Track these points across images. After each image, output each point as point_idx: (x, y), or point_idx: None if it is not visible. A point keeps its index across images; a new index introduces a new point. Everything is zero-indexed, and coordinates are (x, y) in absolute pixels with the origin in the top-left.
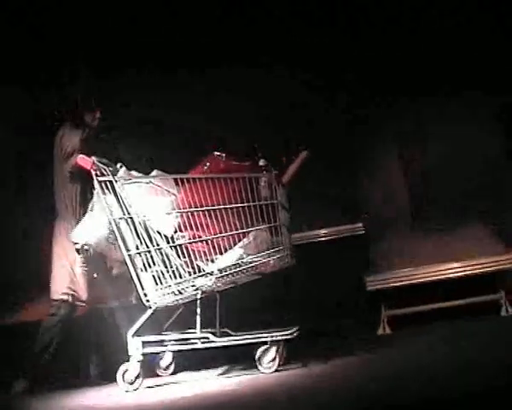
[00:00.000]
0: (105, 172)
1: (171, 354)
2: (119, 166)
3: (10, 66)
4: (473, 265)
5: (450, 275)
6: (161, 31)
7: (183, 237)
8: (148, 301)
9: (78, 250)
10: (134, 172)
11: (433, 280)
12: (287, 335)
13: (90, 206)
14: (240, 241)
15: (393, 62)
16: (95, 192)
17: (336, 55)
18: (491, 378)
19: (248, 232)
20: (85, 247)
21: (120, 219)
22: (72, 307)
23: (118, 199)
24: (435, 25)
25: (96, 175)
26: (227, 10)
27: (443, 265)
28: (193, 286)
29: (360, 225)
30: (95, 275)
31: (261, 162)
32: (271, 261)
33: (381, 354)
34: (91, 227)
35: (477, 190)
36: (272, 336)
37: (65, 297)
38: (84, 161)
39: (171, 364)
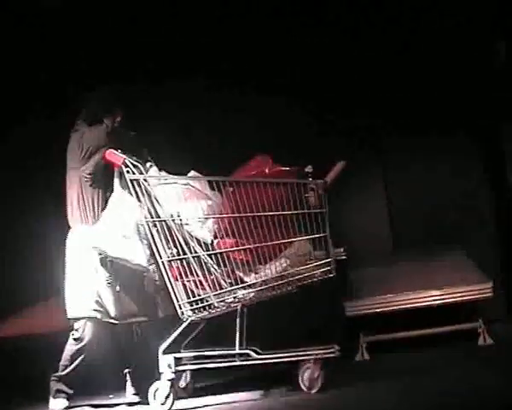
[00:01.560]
0: (136, 171)
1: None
2: (149, 165)
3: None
4: (452, 293)
5: (430, 303)
6: (189, 38)
7: (225, 244)
8: (182, 313)
9: (101, 261)
10: (164, 173)
11: (412, 307)
12: (330, 353)
13: (108, 208)
14: (283, 251)
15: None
16: (113, 194)
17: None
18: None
19: (292, 242)
20: (100, 253)
21: (153, 222)
22: (99, 325)
23: (150, 200)
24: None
25: (127, 172)
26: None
27: (423, 292)
28: (234, 298)
29: (341, 250)
30: (117, 288)
31: (307, 169)
32: (317, 273)
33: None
34: (108, 232)
35: (457, 220)
36: (317, 354)
37: (92, 314)
38: (114, 156)
39: (189, 384)
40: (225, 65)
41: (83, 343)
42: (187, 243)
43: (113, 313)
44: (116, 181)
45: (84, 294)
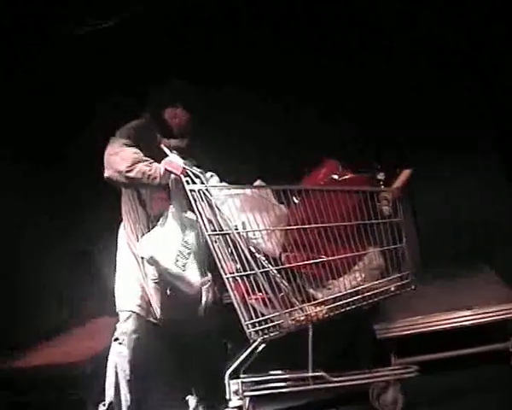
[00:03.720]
0: (197, 181)
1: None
2: (209, 175)
3: None
4: (483, 313)
5: (461, 323)
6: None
7: (295, 258)
8: (251, 334)
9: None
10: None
11: (443, 329)
12: (409, 373)
13: (163, 218)
14: (354, 264)
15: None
16: (171, 206)
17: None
18: None
19: (364, 255)
20: (147, 261)
21: (216, 235)
22: (144, 322)
23: (213, 212)
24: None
25: (187, 183)
26: None
27: (453, 313)
28: (306, 316)
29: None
30: (168, 292)
31: (380, 176)
32: (392, 288)
33: None
34: (160, 242)
35: (484, 236)
36: (395, 374)
37: (137, 310)
38: (172, 164)
39: None
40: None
41: (126, 349)
42: (254, 258)
43: (158, 315)
44: (175, 192)
45: (131, 289)
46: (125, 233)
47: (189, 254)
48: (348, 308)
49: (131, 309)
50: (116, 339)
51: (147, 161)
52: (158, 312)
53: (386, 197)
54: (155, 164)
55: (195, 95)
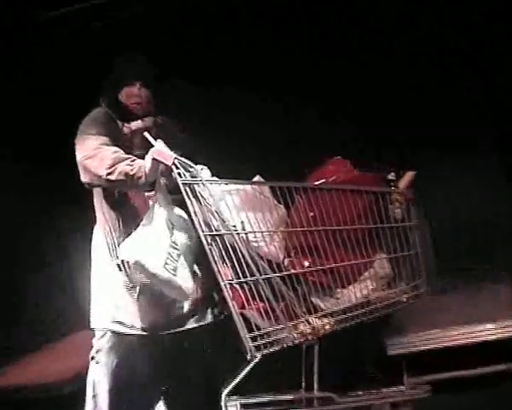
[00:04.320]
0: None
1: None
2: (200, 168)
3: None
4: (508, 326)
5: (484, 338)
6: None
7: (299, 264)
8: (250, 348)
9: (118, 266)
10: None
11: (463, 344)
12: (423, 393)
13: (147, 216)
14: (363, 272)
15: None
16: (156, 202)
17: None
18: None
19: (373, 261)
20: (133, 266)
21: (212, 236)
22: (123, 337)
23: (208, 210)
24: None
25: (179, 175)
26: None
27: (475, 326)
28: (312, 329)
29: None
30: (135, 295)
31: (390, 176)
32: (404, 298)
33: None
34: (145, 243)
35: (486, 237)
36: (408, 394)
37: (111, 327)
38: (162, 154)
39: None
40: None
41: (104, 368)
42: (254, 262)
43: (139, 324)
44: (160, 186)
45: (106, 302)
46: (100, 236)
47: (178, 256)
48: (357, 321)
49: (105, 327)
50: (92, 358)
51: (128, 159)
52: (139, 322)
53: (398, 199)
54: (138, 161)
55: (152, 69)
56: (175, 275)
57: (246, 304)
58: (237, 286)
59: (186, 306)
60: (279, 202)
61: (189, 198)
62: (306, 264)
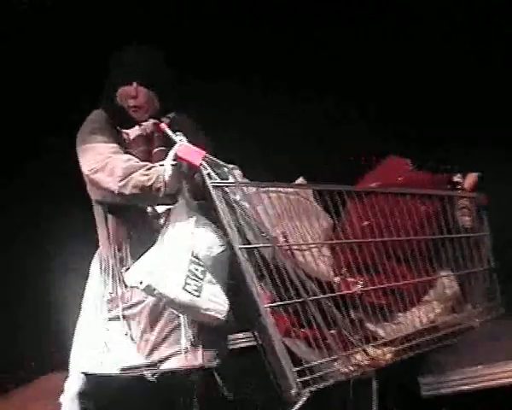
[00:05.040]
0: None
1: None
2: (230, 167)
3: None
4: None
5: None
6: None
7: (357, 284)
8: (297, 385)
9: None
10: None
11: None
12: None
13: (165, 233)
14: (427, 292)
15: None
16: (175, 210)
17: None
18: None
19: (435, 279)
20: (144, 291)
21: (248, 250)
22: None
23: (244, 217)
24: None
25: (208, 177)
26: None
27: None
28: (371, 361)
29: None
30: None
31: (456, 178)
32: (477, 323)
33: None
34: (157, 262)
35: None
36: None
37: (89, 369)
38: (190, 152)
39: None
40: None
41: None
42: (301, 282)
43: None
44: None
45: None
46: (100, 258)
47: (203, 272)
48: (421, 350)
49: (81, 370)
50: (63, 402)
51: (143, 167)
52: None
53: (466, 205)
54: (155, 169)
55: (154, 66)
56: (199, 296)
57: (291, 331)
58: (281, 310)
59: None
60: (325, 210)
61: (221, 204)
62: (361, 283)
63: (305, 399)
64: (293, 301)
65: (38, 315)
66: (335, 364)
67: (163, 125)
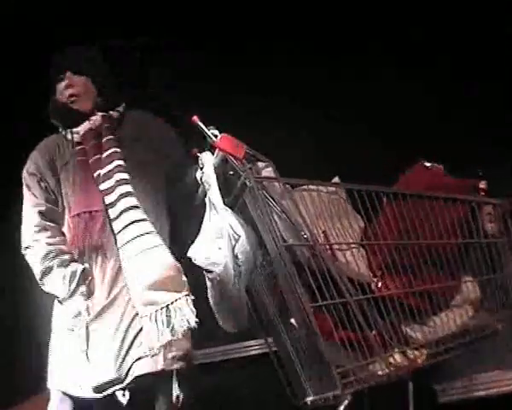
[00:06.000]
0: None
1: None
2: (265, 163)
3: None
4: None
5: None
6: None
7: (388, 285)
8: (341, 387)
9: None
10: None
11: None
12: None
13: (207, 218)
14: (455, 296)
15: None
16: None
17: None
18: None
19: (461, 284)
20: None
21: (287, 247)
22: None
23: (282, 216)
24: None
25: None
26: None
27: None
28: (409, 362)
29: None
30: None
31: (482, 184)
32: (500, 326)
33: None
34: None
35: None
36: None
37: (70, 390)
38: (232, 144)
39: None
40: None
41: None
42: (342, 282)
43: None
44: (214, 187)
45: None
46: None
47: (240, 273)
48: (452, 354)
49: (60, 388)
50: None
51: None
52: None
53: (490, 212)
54: (70, 267)
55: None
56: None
57: (335, 333)
58: (324, 310)
59: None
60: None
61: (261, 200)
62: (397, 286)
63: (347, 402)
64: (335, 300)
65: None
66: (375, 365)
67: (195, 119)
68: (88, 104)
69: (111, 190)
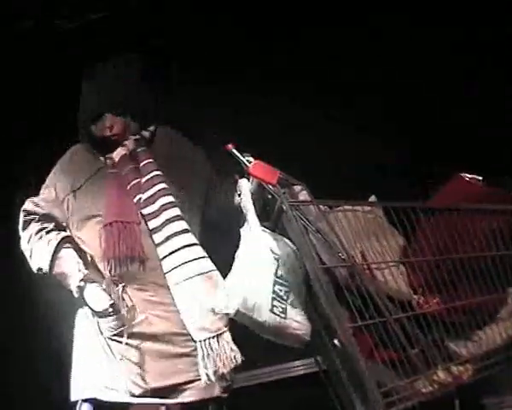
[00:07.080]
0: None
1: None
2: (300, 187)
3: None
4: None
5: None
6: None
7: (437, 303)
8: (382, 407)
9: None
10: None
11: None
12: None
13: (238, 254)
14: (499, 309)
15: None
16: (247, 235)
17: None
18: None
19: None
20: (237, 315)
21: (325, 269)
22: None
23: (319, 237)
24: None
25: (284, 196)
26: None
27: None
28: (454, 378)
29: None
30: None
31: None
32: None
33: None
34: (246, 284)
35: None
36: None
37: (98, 395)
38: (265, 171)
39: None
40: None
41: None
42: (382, 301)
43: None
44: (251, 212)
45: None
46: None
47: (286, 293)
48: (497, 369)
49: (89, 396)
50: None
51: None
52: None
53: None
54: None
55: (123, 91)
56: (285, 318)
57: (376, 353)
58: (364, 330)
59: None
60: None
61: (298, 224)
62: (438, 302)
63: None
64: (375, 320)
65: None
66: (418, 383)
67: (230, 147)
68: (126, 136)
69: (155, 214)
